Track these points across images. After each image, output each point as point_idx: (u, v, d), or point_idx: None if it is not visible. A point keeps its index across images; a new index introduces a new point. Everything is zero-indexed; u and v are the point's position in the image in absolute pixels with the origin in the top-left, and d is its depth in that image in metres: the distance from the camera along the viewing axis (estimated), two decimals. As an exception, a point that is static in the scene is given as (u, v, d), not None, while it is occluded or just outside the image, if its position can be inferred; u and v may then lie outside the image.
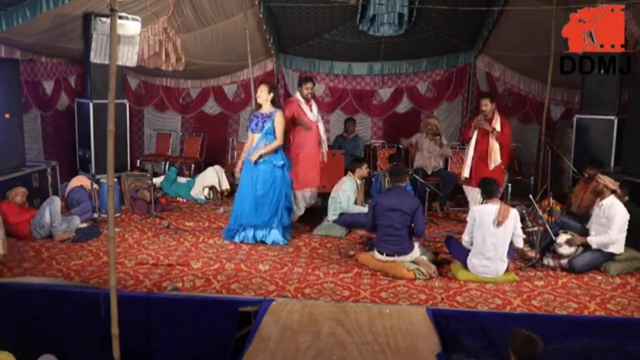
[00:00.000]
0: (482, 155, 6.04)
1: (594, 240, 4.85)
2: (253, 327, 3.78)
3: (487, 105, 5.93)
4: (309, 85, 6.06)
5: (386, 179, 7.04)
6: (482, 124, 5.93)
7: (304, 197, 6.17)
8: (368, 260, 4.94)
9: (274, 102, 5.48)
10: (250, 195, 5.43)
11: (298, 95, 6.11)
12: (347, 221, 5.99)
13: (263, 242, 5.48)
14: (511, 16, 7.17)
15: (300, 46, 8.69)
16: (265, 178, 5.39)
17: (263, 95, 5.43)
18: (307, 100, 6.06)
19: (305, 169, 6.02)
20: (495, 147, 5.95)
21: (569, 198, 6.37)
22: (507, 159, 6.24)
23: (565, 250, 4.94)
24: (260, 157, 5.37)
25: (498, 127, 5.92)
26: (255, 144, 5.43)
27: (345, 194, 6.06)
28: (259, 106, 5.51)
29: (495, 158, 5.96)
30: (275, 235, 5.48)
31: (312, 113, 6.06)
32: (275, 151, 5.41)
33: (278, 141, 5.40)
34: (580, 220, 5.30)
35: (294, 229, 5.90)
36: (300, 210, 6.17)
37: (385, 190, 6.71)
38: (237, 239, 5.49)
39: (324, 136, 6.27)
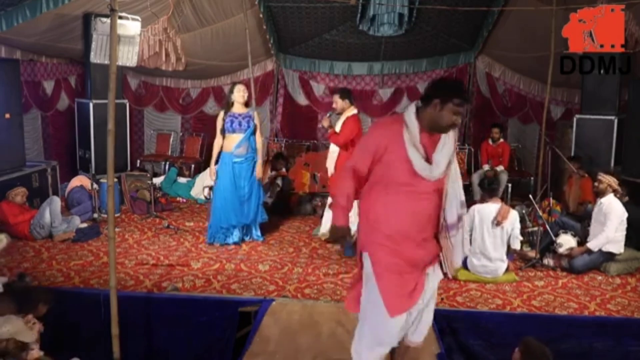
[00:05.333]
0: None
1: (593, 244, 4.84)
2: (253, 327, 3.78)
3: (336, 101, 5.36)
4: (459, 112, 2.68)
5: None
6: (324, 120, 5.42)
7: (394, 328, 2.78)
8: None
9: (247, 103, 5.46)
10: (233, 194, 5.34)
11: (412, 118, 2.73)
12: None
13: (243, 240, 5.55)
14: (511, 16, 7.17)
15: (300, 46, 8.70)
16: (247, 175, 5.38)
17: (245, 95, 5.35)
18: (432, 136, 2.72)
19: (403, 278, 2.74)
20: (331, 149, 5.40)
21: (563, 198, 6.37)
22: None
23: (565, 250, 4.94)
24: (240, 154, 5.33)
25: (339, 127, 5.27)
26: (238, 144, 5.30)
27: None
28: (231, 105, 5.34)
29: (329, 164, 5.37)
30: (255, 232, 5.63)
31: (421, 161, 2.65)
32: (252, 147, 5.41)
33: (260, 139, 5.46)
34: (580, 220, 5.30)
35: None
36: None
37: None
38: (230, 241, 5.45)
39: (453, 215, 2.80)
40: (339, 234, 2.81)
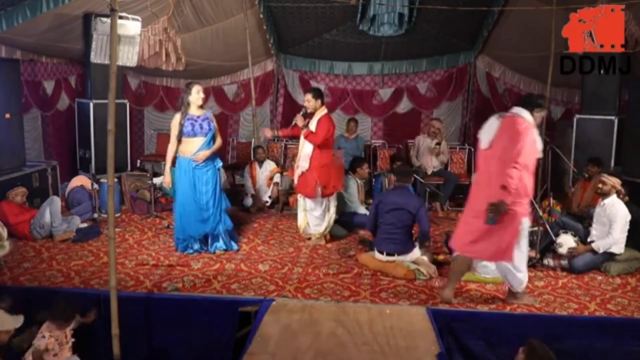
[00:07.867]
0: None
1: (599, 245, 4.83)
2: (253, 327, 3.78)
3: (309, 100, 5.40)
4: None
5: (387, 179, 7.03)
6: (297, 118, 5.45)
7: None
8: (368, 261, 4.94)
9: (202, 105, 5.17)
10: (194, 201, 5.09)
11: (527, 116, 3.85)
12: (348, 221, 5.99)
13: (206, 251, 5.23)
14: (511, 16, 7.17)
15: (300, 46, 8.70)
16: (208, 181, 5.11)
17: (200, 97, 5.06)
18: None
19: None
20: (304, 148, 5.40)
21: (568, 198, 6.36)
22: (324, 170, 5.38)
23: (566, 250, 4.94)
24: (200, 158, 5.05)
25: (313, 126, 5.33)
26: (199, 148, 5.03)
27: (347, 191, 6.05)
28: (188, 107, 5.04)
29: (303, 162, 5.39)
30: (223, 241, 5.28)
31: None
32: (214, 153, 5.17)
33: (220, 141, 5.19)
34: (580, 220, 5.30)
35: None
36: None
37: (388, 189, 6.70)
38: (190, 251, 5.18)
39: None
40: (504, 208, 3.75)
